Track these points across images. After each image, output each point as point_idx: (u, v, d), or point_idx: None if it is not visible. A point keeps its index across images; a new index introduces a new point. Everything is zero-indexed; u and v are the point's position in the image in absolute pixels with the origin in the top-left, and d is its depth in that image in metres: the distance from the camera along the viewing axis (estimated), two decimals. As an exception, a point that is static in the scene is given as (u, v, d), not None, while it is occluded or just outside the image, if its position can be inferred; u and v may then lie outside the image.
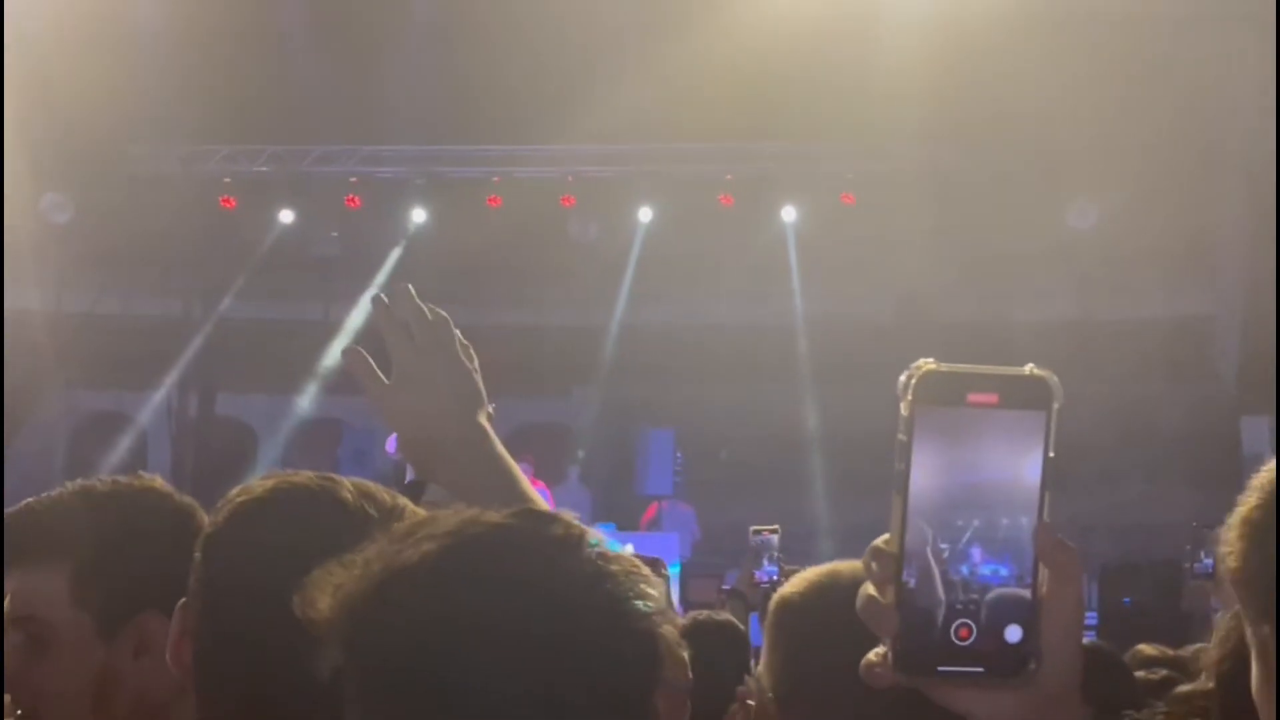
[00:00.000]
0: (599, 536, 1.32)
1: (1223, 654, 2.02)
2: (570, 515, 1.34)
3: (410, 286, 2.00)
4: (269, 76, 14.63)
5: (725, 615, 5.12)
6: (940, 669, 1.16)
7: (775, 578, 7.41)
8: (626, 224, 16.44)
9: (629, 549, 9.34)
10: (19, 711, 2.08)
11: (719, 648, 4.45)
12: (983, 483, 1.16)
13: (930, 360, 1.17)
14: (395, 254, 16.36)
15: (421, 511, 1.70)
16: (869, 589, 1.18)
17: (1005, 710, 1.18)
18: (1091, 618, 10.58)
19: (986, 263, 15.37)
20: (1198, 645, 3.60)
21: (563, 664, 1.24)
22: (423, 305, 2.00)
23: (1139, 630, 8.35)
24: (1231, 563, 1.39)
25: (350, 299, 15.48)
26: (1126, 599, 11.29)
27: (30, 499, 2.18)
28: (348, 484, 1.71)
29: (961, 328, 14.85)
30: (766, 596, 6.77)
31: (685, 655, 3.19)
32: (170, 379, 16.76)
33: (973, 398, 1.16)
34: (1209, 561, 7.87)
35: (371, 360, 2.00)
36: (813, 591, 2.15)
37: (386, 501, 1.70)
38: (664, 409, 16.50)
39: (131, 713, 2.04)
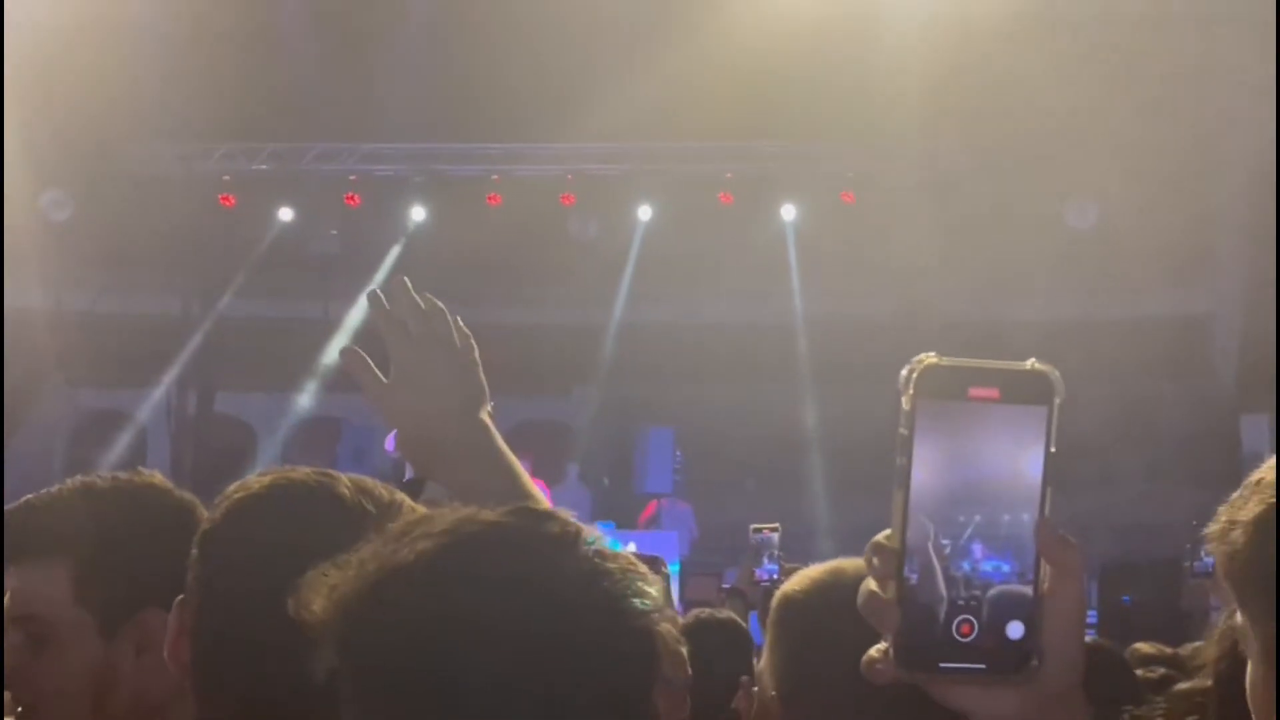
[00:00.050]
0: (596, 534, 1.31)
1: (1221, 652, 2.02)
2: (567, 513, 1.33)
3: (406, 280, 1.99)
4: (268, 75, 14.63)
5: (727, 613, 5.12)
6: (942, 665, 1.15)
7: (775, 576, 7.42)
8: (626, 222, 16.45)
9: (631, 547, 9.35)
10: (19, 709, 2.07)
11: (721, 646, 4.45)
12: (984, 478, 1.16)
13: (932, 354, 1.16)
14: (395, 252, 16.36)
15: (420, 508, 1.69)
16: (870, 585, 1.17)
17: (1007, 707, 1.17)
18: (1091, 616, 10.58)
19: (986, 261, 15.37)
20: (1195, 643, 3.59)
21: (560, 662, 1.23)
22: (419, 297, 1.99)
23: (1138, 629, 8.36)
24: (1238, 561, 1.38)
25: (349, 297, 15.47)
26: (1126, 597, 11.30)
27: (29, 496, 2.17)
28: (345, 480, 1.71)
29: (961, 326, 14.85)
30: (767, 594, 6.78)
31: (684, 652, 3.19)
32: (169, 377, 16.76)
33: (974, 392, 1.16)
34: (1208, 560, 7.87)
35: (369, 359, 1.99)
36: (816, 589, 2.14)
37: (384, 497, 1.70)
38: (663, 408, 16.50)
39: (130, 711, 2.04)
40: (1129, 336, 15.76)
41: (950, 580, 1.15)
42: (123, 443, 16.53)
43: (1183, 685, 2.46)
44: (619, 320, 17.26)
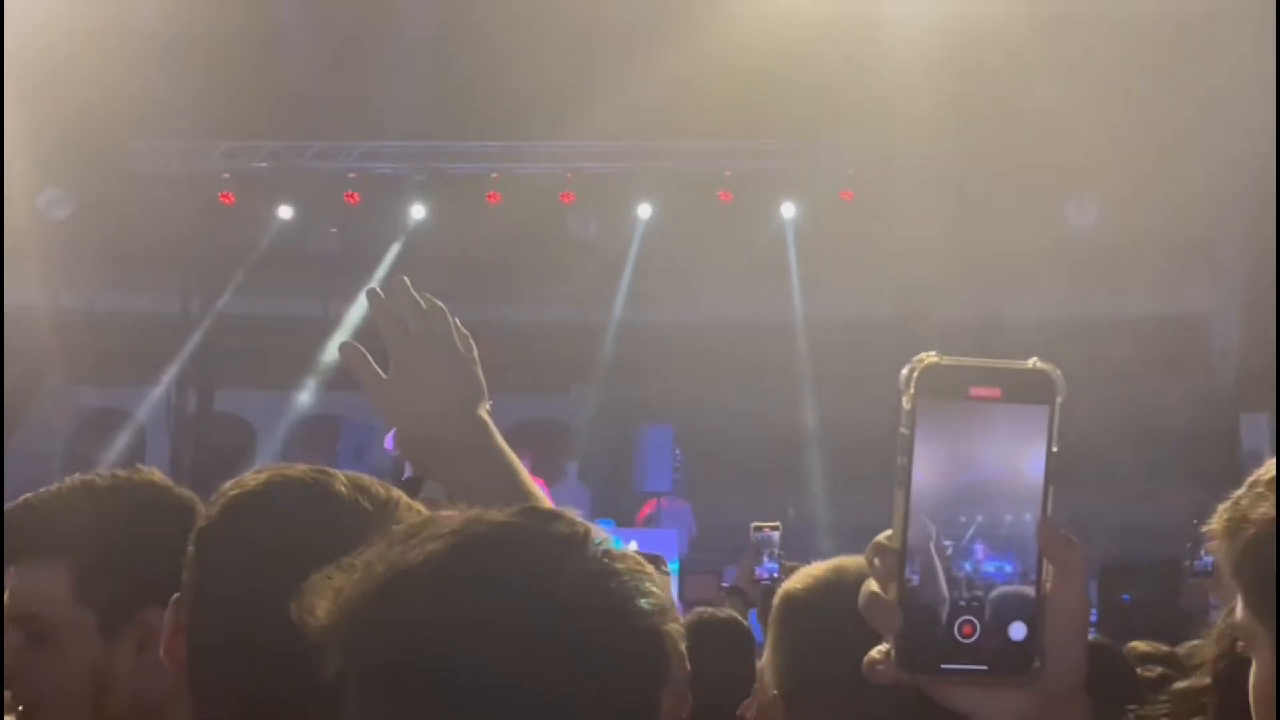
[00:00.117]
0: (603, 534, 1.31)
1: (1219, 651, 2.01)
2: (574, 513, 1.33)
3: (405, 278, 1.99)
4: (268, 72, 14.61)
5: (728, 612, 5.11)
6: (944, 667, 1.15)
7: (776, 574, 7.42)
8: (626, 221, 16.44)
9: (633, 546, 9.34)
10: (19, 708, 2.07)
11: (723, 645, 4.44)
12: (986, 478, 1.15)
13: (933, 353, 1.16)
14: (394, 250, 16.34)
15: (418, 505, 1.69)
16: (872, 586, 1.17)
17: (1009, 708, 1.17)
18: (1090, 615, 10.57)
19: (986, 259, 15.36)
20: (1193, 642, 3.58)
21: (568, 663, 1.23)
22: (418, 296, 1.99)
23: (1138, 628, 8.35)
24: (1248, 560, 1.38)
25: (349, 295, 15.47)
26: (1126, 596, 11.29)
27: (29, 494, 2.17)
28: (342, 477, 1.70)
29: (961, 325, 14.84)
30: (767, 593, 6.78)
31: (683, 648, 3.18)
32: (169, 375, 16.76)
33: (975, 391, 1.15)
34: (1208, 559, 7.88)
35: (369, 356, 1.99)
36: (818, 588, 2.14)
37: (381, 494, 1.69)
38: (663, 406, 16.48)
39: (130, 710, 2.04)
40: (1129, 335, 15.74)
41: (952, 581, 1.15)
42: (122, 441, 16.54)
43: (1183, 683, 2.45)
44: (618, 318, 17.26)
